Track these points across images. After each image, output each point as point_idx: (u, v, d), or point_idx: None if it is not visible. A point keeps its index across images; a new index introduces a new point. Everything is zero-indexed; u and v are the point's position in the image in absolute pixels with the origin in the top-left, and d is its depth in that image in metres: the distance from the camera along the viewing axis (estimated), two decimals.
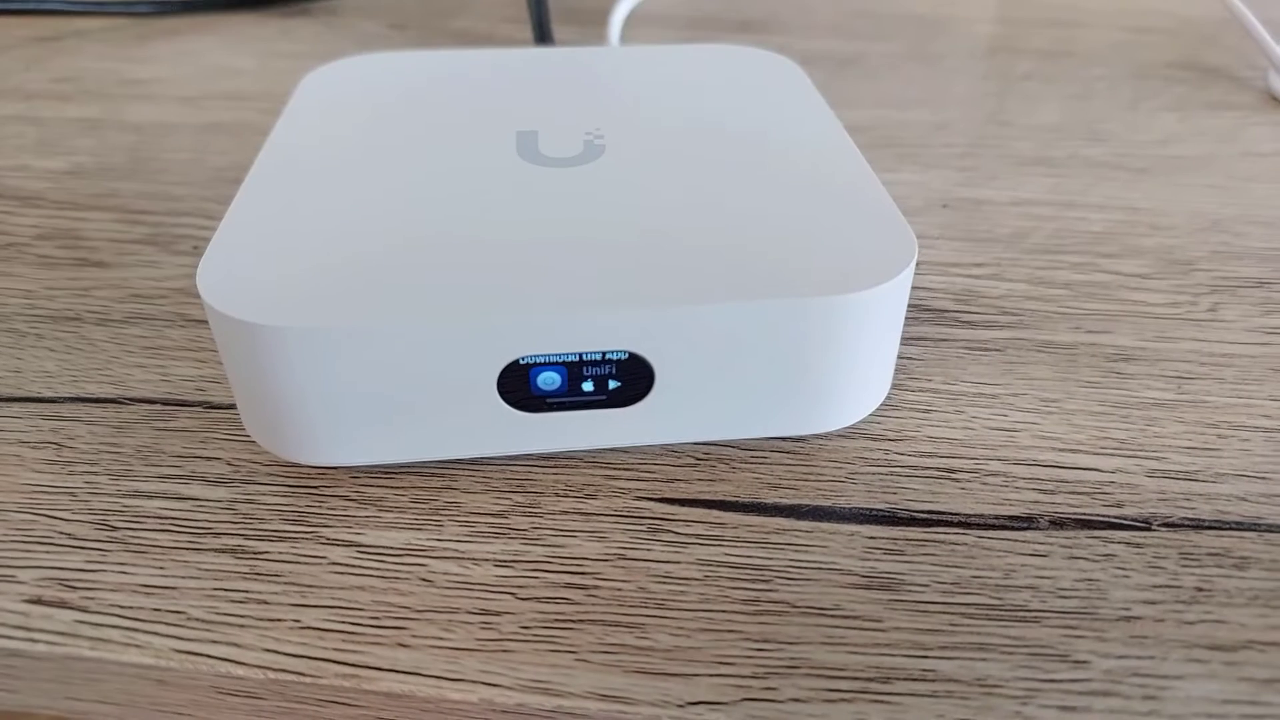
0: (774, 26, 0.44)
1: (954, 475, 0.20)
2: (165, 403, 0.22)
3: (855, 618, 0.17)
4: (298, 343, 0.17)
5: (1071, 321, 0.24)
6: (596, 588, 0.18)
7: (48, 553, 0.18)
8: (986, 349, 0.23)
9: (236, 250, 0.19)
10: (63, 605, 0.17)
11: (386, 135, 0.23)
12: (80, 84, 0.38)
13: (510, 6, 0.47)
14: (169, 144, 0.33)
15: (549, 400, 0.19)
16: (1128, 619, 0.17)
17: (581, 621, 0.17)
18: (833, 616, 0.17)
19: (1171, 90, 0.37)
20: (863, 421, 0.21)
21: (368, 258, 0.18)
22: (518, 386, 0.18)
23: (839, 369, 0.19)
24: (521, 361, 0.18)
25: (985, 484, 0.20)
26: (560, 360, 0.18)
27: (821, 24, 0.44)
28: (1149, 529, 0.19)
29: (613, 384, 0.18)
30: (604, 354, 0.18)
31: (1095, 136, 0.33)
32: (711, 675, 0.16)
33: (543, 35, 0.35)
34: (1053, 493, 0.19)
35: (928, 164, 0.32)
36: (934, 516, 0.19)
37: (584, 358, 0.18)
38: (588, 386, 0.18)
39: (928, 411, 0.21)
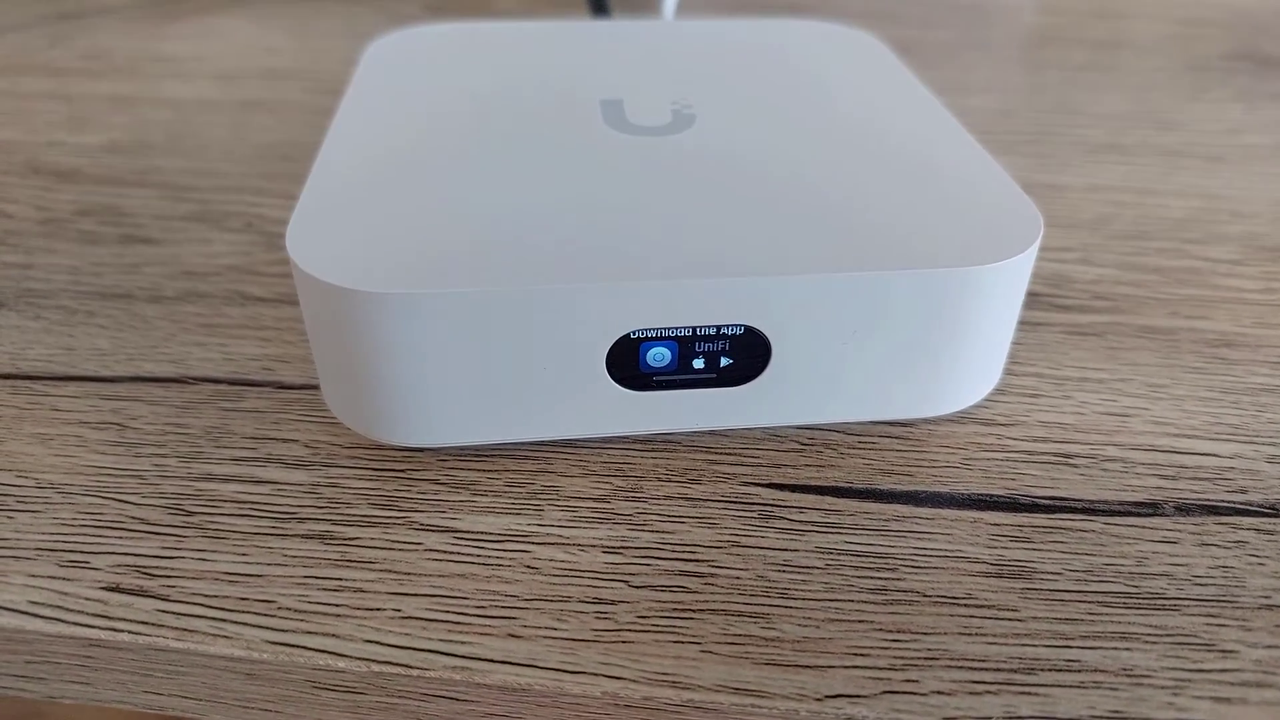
0: (823, 12, 0.43)
1: (1071, 461, 0.19)
2: (231, 382, 0.21)
3: (990, 607, 0.16)
4: (399, 310, 0.16)
5: (1167, 307, 0.23)
6: (713, 575, 0.17)
7: (120, 538, 0.17)
8: (1085, 333, 0.22)
9: (325, 214, 0.17)
10: (142, 593, 0.16)
11: (465, 102, 0.22)
12: (109, 61, 0.37)
13: None
14: (208, 121, 0.32)
15: (655, 379, 0.17)
16: (1270, 607, 0.16)
17: (702, 611, 0.16)
18: (966, 606, 0.16)
19: (1233, 81, 0.36)
20: (971, 407, 0.20)
21: (466, 223, 0.17)
22: (626, 363, 0.17)
23: (960, 347, 0.18)
24: (633, 336, 0.17)
25: (1104, 470, 0.19)
26: (673, 335, 0.17)
27: (873, 11, 0.43)
28: (1278, 515, 0.18)
29: (724, 361, 0.17)
30: (719, 328, 0.17)
31: (1164, 125, 0.33)
32: (846, 667, 0.15)
33: (599, 7, 0.33)
34: (1174, 478, 0.19)
35: (997, 151, 0.30)
36: (1057, 503, 0.18)
37: (698, 332, 0.17)
38: (698, 364, 0.17)
39: (1036, 396, 0.20)
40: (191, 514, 0.18)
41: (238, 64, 0.37)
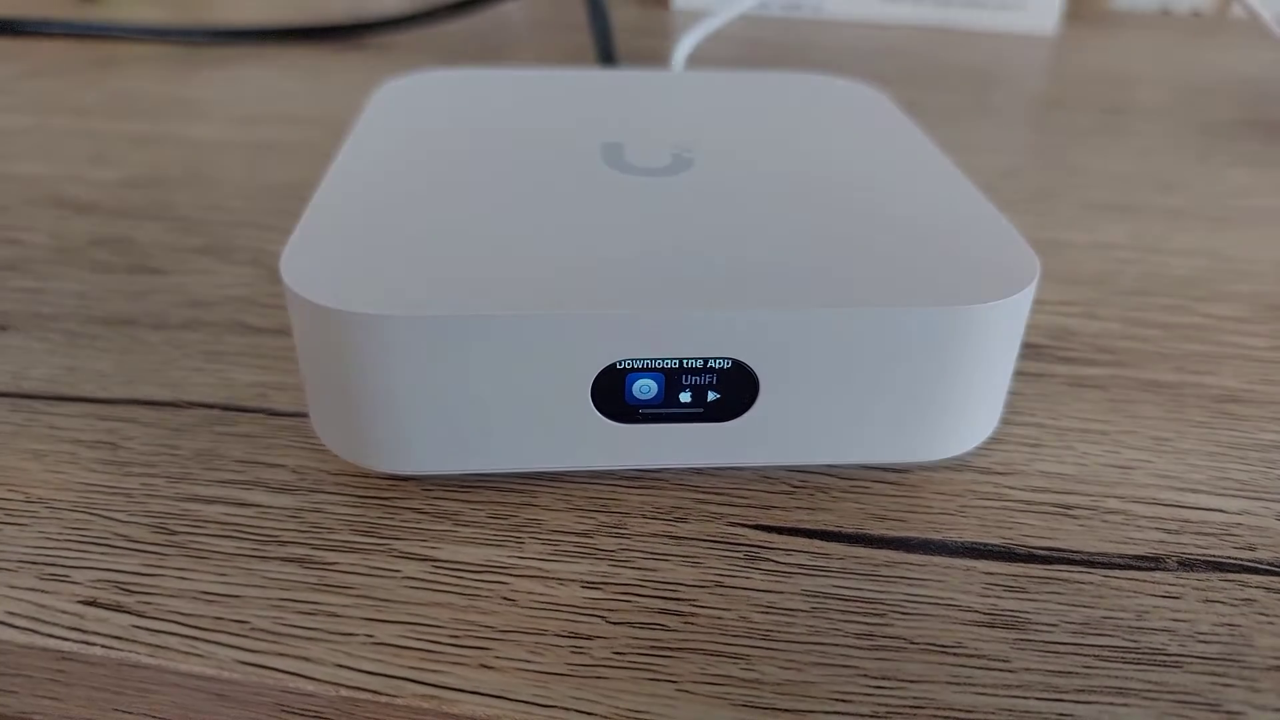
0: (833, 71, 0.44)
1: (1071, 512, 0.18)
2: (225, 408, 0.21)
3: (980, 657, 0.16)
4: (385, 333, 0.16)
5: (1172, 362, 0.23)
6: (694, 615, 0.16)
7: (103, 554, 0.17)
8: (1088, 385, 0.22)
9: (322, 240, 0.18)
10: (119, 609, 0.16)
11: (468, 139, 0.22)
12: (135, 103, 0.38)
13: (564, 48, 0.48)
14: (223, 160, 0.33)
15: (641, 411, 0.17)
16: None
17: (680, 650, 0.16)
18: (956, 655, 0.16)
19: (1239, 146, 0.36)
20: (967, 454, 0.19)
21: (462, 251, 0.17)
22: (611, 394, 0.17)
23: (955, 390, 0.18)
24: (619, 366, 0.17)
25: (1105, 522, 0.18)
26: (660, 366, 0.17)
27: (878, 75, 0.44)
28: None
29: (711, 395, 0.17)
30: (706, 360, 0.17)
31: (1168, 186, 0.33)
32: (828, 712, 0.15)
33: (608, 57, 0.34)
34: (1178, 533, 0.18)
35: (999, 206, 0.31)
36: (1055, 554, 0.18)
37: (684, 364, 0.17)
38: (685, 397, 0.17)
39: (1036, 446, 0.20)
40: (175, 533, 0.17)
41: (257, 109, 0.38)
